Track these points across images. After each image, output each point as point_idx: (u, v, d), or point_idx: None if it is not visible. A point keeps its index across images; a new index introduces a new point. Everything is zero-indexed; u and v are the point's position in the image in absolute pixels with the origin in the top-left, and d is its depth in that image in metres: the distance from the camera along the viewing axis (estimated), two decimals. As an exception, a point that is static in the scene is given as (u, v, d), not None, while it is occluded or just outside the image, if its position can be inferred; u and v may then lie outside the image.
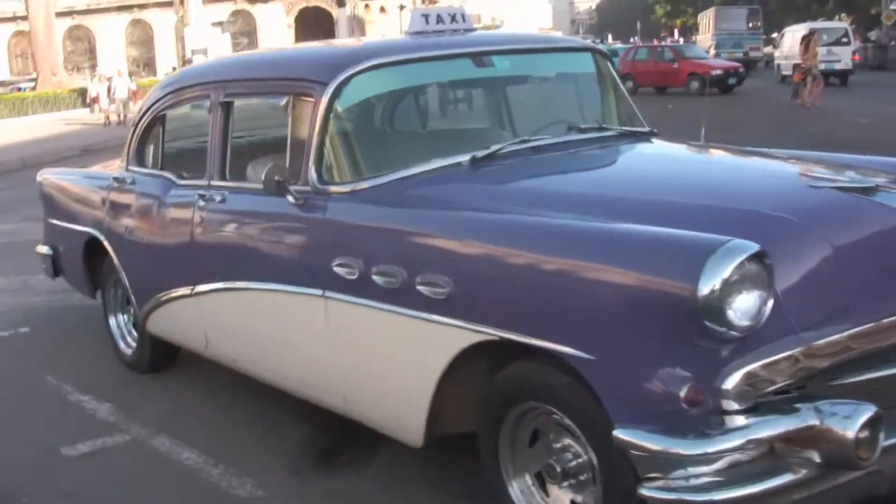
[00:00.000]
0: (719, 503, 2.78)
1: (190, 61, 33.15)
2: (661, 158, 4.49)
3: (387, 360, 3.77)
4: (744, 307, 2.81)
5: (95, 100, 32.68)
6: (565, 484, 3.33)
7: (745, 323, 2.82)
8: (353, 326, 3.87)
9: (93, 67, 60.77)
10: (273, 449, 4.64)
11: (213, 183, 4.79)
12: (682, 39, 66.59)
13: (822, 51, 35.54)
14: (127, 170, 5.72)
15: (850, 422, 2.81)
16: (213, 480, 4.36)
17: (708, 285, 2.73)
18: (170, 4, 54.10)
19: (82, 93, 38.33)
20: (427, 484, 4.15)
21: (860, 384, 3.08)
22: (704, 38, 50.41)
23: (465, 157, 4.08)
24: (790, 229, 3.17)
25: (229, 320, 4.75)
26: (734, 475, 2.83)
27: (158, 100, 5.51)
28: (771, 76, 40.36)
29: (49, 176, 6.85)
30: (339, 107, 4.11)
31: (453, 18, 4.67)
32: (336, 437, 4.65)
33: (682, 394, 2.82)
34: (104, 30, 69.48)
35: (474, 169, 4.03)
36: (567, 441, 3.30)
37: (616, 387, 2.95)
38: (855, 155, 4.61)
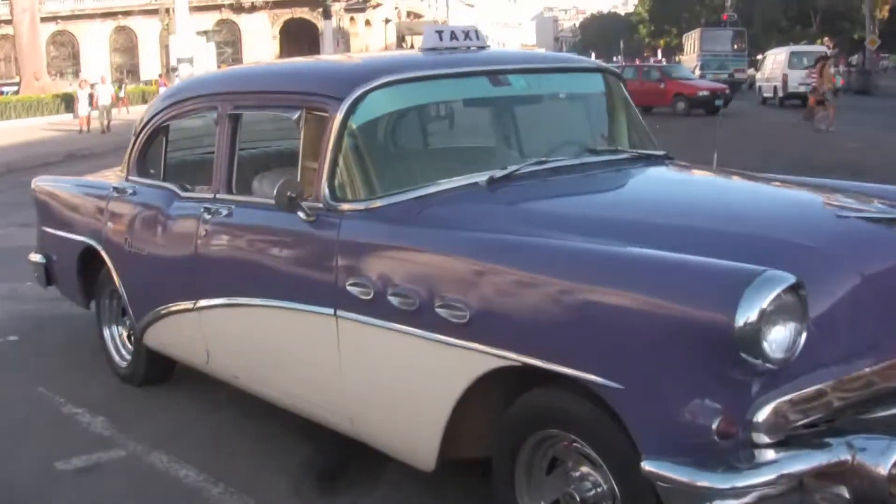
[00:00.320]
0: None
1: (175, 69, 33.00)
2: (680, 183, 4.45)
3: (401, 382, 3.69)
4: (779, 339, 2.77)
5: (94, 105, 32.31)
6: (583, 513, 3.26)
7: (780, 355, 2.77)
8: (365, 347, 3.80)
9: (76, 73, 60.62)
10: (273, 469, 4.54)
11: (219, 196, 4.70)
12: (664, 60, 66.92)
13: (801, 74, 35.99)
14: (127, 179, 5.63)
15: (884, 457, 2.79)
16: (213, 500, 4.26)
17: (744, 316, 2.68)
18: (155, 12, 54.10)
19: (66, 98, 38.06)
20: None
21: (891, 418, 3.04)
22: (689, 59, 50.67)
23: (481, 177, 4.02)
24: (821, 260, 3.13)
25: (233, 336, 4.66)
26: None
27: (162, 110, 5.43)
28: (755, 98, 40.62)
29: (44, 183, 6.71)
30: (353, 123, 4.03)
31: (467, 35, 4.61)
32: (338, 458, 4.56)
33: (715, 426, 2.77)
34: (88, 36, 69.36)
35: (491, 189, 3.97)
36: (586, 469, 3.24)
37: (645, 417, 2.89)
38: (868, 183, 4.59)
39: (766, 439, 2.80)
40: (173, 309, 5.01)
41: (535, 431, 3.31)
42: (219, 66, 33.87)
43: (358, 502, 4.19)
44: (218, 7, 67.27)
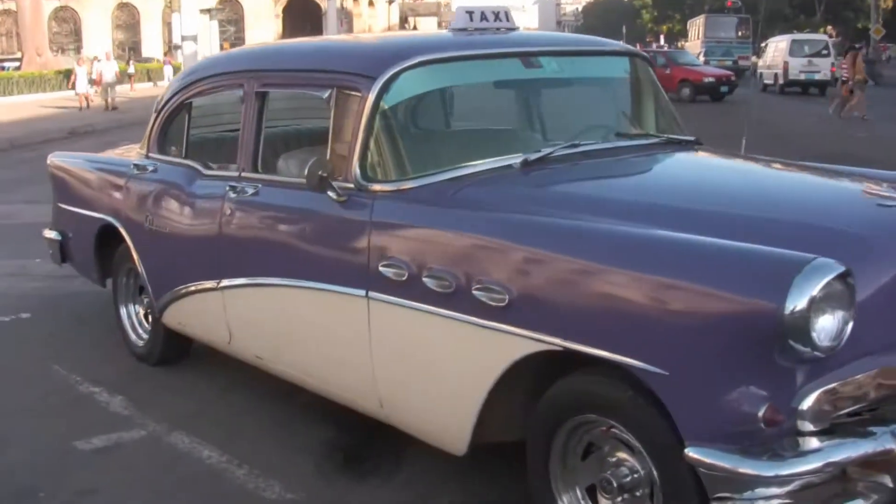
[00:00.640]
0: None
1: (178, 47, 32.85)
2: (715, 168, 4.41)
3: (435, 365, 3.66)
4: (827, 327, 2.75)
5: (97, 82, 32.18)
6: (619, 499, 3.23)
7: (827, 343, 2.75)
8: (398, 329, 3.76)
9: (78, 49, 60.41)
10: (295, 449, 4.53)
11: (245, 174, 4.66)
12: (666, 46, 66.67)
13: (802, 62, 35.96)
14: (147, 157, 5.58)
15: (929, 447, 2.76)
16: (238, 482, 4.24)
17: (794, 304, 2.65)
18: (157, -11, 53.84)
19: (68, 74, 37.94)
20: (465, 493, 4.04)
21: None
22: (693, 45, 50.51)
23: (514, 159, 3.98)
24: (867, 248, 3.11)
25: (258, 316, 4.61)
26: (805, 497, 2.78)
27: (184, 87, 5.38)
28: (757, 85, 40.53)
29: (60, 159, 6.65)
30: (386, 103, 3.99)
31: (497, 17, 4.56)
32: (361, 440, 4.54)
33: (760, 413, 2.75)
34: (90, 12, 68.99)
35: (525, 172, 3.93)
36: (622, 455, 3.22)
37: (689, 403, 2.87)
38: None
39: (810, 427, 2.80)
40: (194, 288, 4.97)
41: (572, 416, 3.28)
42: (221, 45, 33.74)
43: (385, 487, 4.17)
44: (221, -15, 67.00)
